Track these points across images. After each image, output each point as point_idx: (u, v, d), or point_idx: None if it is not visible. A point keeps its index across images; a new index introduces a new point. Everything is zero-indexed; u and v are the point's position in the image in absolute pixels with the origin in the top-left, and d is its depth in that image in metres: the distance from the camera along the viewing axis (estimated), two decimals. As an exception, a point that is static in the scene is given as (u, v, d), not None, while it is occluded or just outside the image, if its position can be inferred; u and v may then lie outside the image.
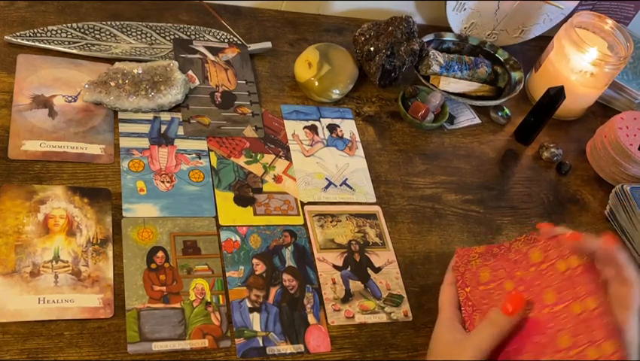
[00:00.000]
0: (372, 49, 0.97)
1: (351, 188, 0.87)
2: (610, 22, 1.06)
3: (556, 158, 1.01)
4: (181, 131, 0.84)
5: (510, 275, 0.68)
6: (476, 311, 0.68)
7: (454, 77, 1.02)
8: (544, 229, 0.69)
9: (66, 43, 0.87)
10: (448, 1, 1.05)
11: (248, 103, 0.91)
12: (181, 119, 0.86)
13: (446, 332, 0.67)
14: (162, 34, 0.94)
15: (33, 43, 0.86)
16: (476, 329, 0.64)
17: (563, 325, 0.62)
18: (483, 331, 0.64)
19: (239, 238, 0.77)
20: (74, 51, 0.87)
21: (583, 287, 0.62)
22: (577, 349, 0.59)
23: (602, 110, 1.15)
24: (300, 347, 0.70)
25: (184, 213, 0.77)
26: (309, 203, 0.83)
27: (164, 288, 0.70)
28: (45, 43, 0.86)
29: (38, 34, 0.87)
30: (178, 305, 0.69)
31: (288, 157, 0.87)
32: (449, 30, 1.10)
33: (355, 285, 0.77)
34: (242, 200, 0.80)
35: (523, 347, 0.63)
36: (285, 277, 0.75)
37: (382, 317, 0.75)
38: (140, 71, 0.84)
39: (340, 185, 0.87)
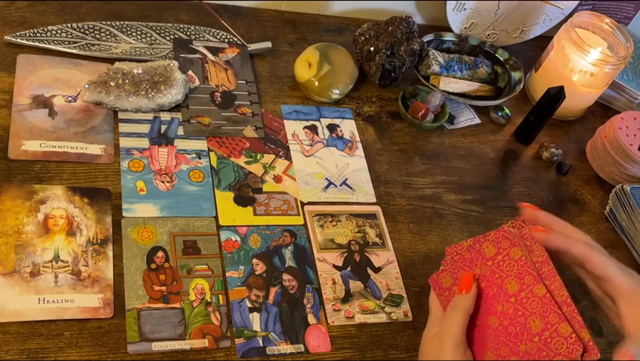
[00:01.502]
0: (372, 49, 0.97)
1: (351, 188, 0.87)
2: (610, 22, 1.06)
3: (556, 158, 1.01)
4: (181, 131, 0.84)
5: (471, 273, 0.68)
6: None
7: (454, 77, 1.02)
8: (527, 210, 0.70)
9: (66, 43, 0.87)
10: (448, 1, 1.05)
11: (248, 103, 0.91)
12: (181, 119, 0.86)
13: (430, 330, 0.68)
14: (162, 34, 0.94)
15: (33, 43, 0.86)
16: (444, 318, 0.66)
17: (531, 310, 0.63)
18: (449, 316, 0.65)
19: (239, 238, 0.77)
20: (74, 51, 0.87)
21: (540, 268, 0.64)
22: (550, 329, 0.61)
23: (602, 110, 1.15)
24: (300, 347, 0.70)
25: (184, 213, 0.77)
26: (309, 203, 0.83)
27: (164, 288, 0.70)
28: (45, 43, 0.86)
29: (38, 34, 0.87)
30: (178, 305, 0.69)
31: (288, 157, 0.87)
32: (449, 30, 1.10)
33: (355, 285, 0.77)
34: (242, 200, 0.80)
35: (500, 341, 0.64)
36: (285, 277, 0.75)
37: (382, 317, 0.75)
38: (140, 71, 0.84)
39: (340, 185, 0.87)
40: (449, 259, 0.72)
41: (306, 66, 0.94)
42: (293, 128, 0.91)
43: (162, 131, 0.84)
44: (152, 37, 0.93)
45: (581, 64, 1.01)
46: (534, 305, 0.63)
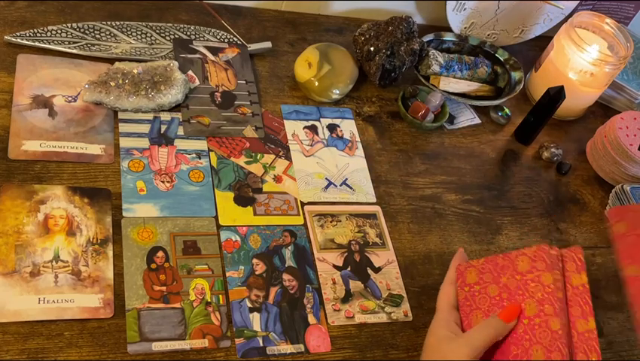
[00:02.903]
0: (372, 49, 0.97)
1: (351, 188, 0.87)
2: (610, 22, 1.06)
3: (556, 158, 1.01)
4: (181, 131, 0.84)
5: (496, 280, 0.68)
6: (474, 311, 0.68)
7: (454, 77, 1.02)
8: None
9: (66, 43, 0.87)
10: (448, 1, 1.05)
11: (248, 103, 0.91)
12: (181, 119, 0.86)
13: (439, 330, 0.67)
14: (162, 34, 0.94)
15: (33, 44, 0.86)
16: (473, 329, 0.65)
17: (539, 339, 0.63)
18: (479, 332, 0.65)
19: (239, 238, 0.77)
20: (74, 51, 0.87)
21: (560, 304, 0.63)
22: None
23: (602, 110, 1.15)
24: (300, 347, 0.70)
25: (184, 213, 0.77)
26: (309, 203, 0.83)
27: (164, 288, 0.70)
28: (45, 43, 0.86)
29: (38, 34, 0.87)
30: (178, 305, 0.69)
31: (288, 157, 0.87)
32: (449, 30, 1.10)
33: (355, 285, 0.77)
34: (242, 200, 0.80)
35: (500, 356, 0.64)
36: (285, 277, 0.75)
37: (382, 317, 0.75)
38: (140, 71, 0.84)
39: (340, 185, 0.87)
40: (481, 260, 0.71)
41: (306, 66, 0.94)
42: (293, 128, 0.91)
43: (162, 131, 0.83)
44: (152, 37, 0.93)
45: (581, 64, 1.01)
46: (544, 336, 0.62)
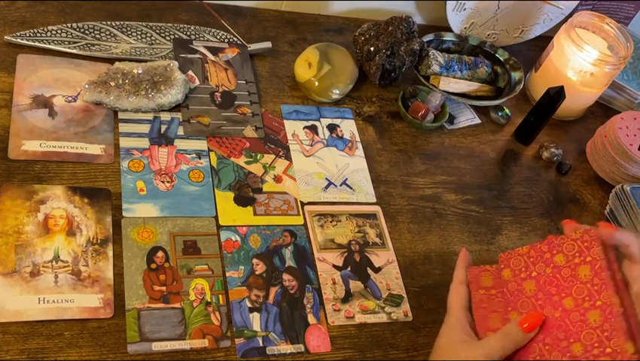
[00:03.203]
0: (372, 49, 0.97)
1: (351, 188, 0.87)
2: (610, 22, 1.06)
3: (556, 158, 1.01)
4: (181, 131, 0.84)
5: (544, 268, 0.66)
6: (492, 313, 0.67)
7: (454, 77, 1.02)
8: (569, 225, 0.68)
9: (66, 43, 0.87)
10: (448, 1, 1.05)
11: (248, 103, 0.91)
12: (181, 119, 0.86)
13: (453, 332, 0.65)
14: (162, 34, 0.94)
15: (33, 44, 0.86)
16: (491, 337, 0.64)
17: (575, 335, 0.61)
18: (497, 341, 0.63)
19: (239, 238, 0.77)
20: (74, 51, 0.87)
21: (601, 292, 0.62)
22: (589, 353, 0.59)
23: (602, 110, 1.15)
24: (300, 347, 0.70)
25: (184, 213, 0.77)
26: (309, 203, 0.83)
27: (164, 288, 0.70)
28: (45, 43, 0.86)
29: (38, 34, 0.87)
30: (178, 305, 0.69)
31: (288, 157, 0.87)
32: (449, 30, 1.10)
33: (355, 285, 0.77)
34: (242, 200, 0.80)
35: (535, 349, 0.63)
36: (285, 277, 0.75)
37: (382, 317, 0.75)
38: (140, 71, 0.84)
39: (340, 185, 0.87)
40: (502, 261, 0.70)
41: (306, 66, 0.94)
42: (293, 128, 0.91)
43: (162, 131, 0.83)
44: (152, 37, 0.93)
45: (581, 64, 1.01)
46: (579, 330, 0.61)
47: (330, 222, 0.82)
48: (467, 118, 1.03)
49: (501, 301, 0.67)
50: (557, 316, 0.63)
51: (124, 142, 0.81)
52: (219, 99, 0.90)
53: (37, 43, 0.86)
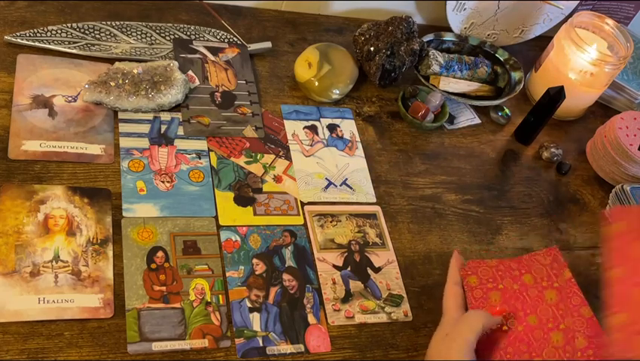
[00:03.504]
0: (372, 49, 0.97)
1: (351, 188, 0.87)
2: (610, 22, 1.06)
3: (556, 158, 1.01)
4: (181, 131, 0.84)
5: (515, 279, 0.69)
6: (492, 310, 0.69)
7: (454, 77, 1.02)
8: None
9: (66, 43, 0.87)
10: (448, 1, 1.05)
11: (248, 103, 0.91)
12: (181, 119, 0.86)
13: (443, 331, 0.67)
14: (162, 34, 0.94)
15: (33, 44, 0.86)
16: (461, 321, 0.66)
17: (538, 350, 0.64)
18: (468, 321, 0.65)
19: (239, 238, 0.77)
20: (74, 51, 0.87)
21: (566, 317, 0.65)
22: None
23: (602, 110, 1.15)
24: (300, 347, 0.70)
25: (184, 213, 0.77)
26: (309, 203, 0.83)
27: (164, 288, 0.70)
28: (45, 43, 0.86)
29: (38, 34, 0.87)
30: (178, 305, 0.69)
31: (288, 157, 0.87)
32: (449, 30, 1.10)
33: (355, 285, 0.77)
34: (242, 200, 0.80)
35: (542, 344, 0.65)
36: (285, 277, 0.75)
37: (382, 317, 0.75)
38: (140, 71, 0.84)
39: (340, 185, 0.87)
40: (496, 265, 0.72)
41: (306, 66, 0.94)
42: (293, 128, 0.91)
43: (162, 131, 0.83)
44: (152, 37, 0.93)
45: (581, 64, 1.01)
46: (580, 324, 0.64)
47: (330, 222, 0.82)
48: (467, 118, 1.03)
49: (501, 294, 0.69)
50: (520, 330, 0.65)
51: (124, 142, 0.81)
52: (219, 99, 0.90)
53: (37, 43, 0.86)
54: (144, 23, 0.94)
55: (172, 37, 0.94)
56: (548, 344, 0.63)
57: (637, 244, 0.67)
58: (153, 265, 0.71)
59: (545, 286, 0.68)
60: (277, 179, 0.84)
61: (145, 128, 0.83)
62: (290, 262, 0.77)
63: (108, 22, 0.91)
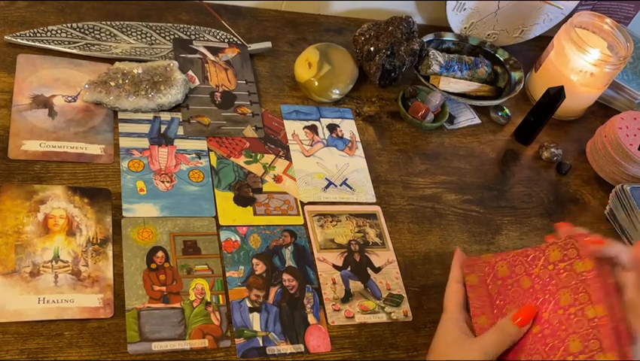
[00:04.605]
0: (372, 49, 0.97)
1: (351, 188, 0.87)
2: (610, 22, 1.06)
3: (556, 158, 1.01)
4: (181, 131, 0.84)
5: (528, 272, 0.67)
6: (492, 308, 0.68)
7: (454, 77, 1.02)
8: (563, 228, 0.68)
9: (66, 43, 0.87)
10: (448, 1, 1.05)
11: (248, 103, 0.91)
12: (181, 119, 0.86)
13: (450, 331, 0.66)
14: (162, 34, 0.94)
15: (33, 43, 0.86)
16: (485, 334, 0.64)
17: (575, 328, 0.61)
18: (491, 336, 0.64)
19: (239, 238, 0.77)
20: (74, 51, 0.87)
21: (595, 292, 0.62)
22: (586, 354, 0.59)
23: (602, 110, 1.15)
24: (300, 347, 0.70)
25: (184, 213, 0.77)
26: (309, 203, 0.83)
27: (164, 288, 0.70)
28: (45, 43, 0.86)
29: (38, 34, 0.87)
30: (178, 305, 0.69)
31: (287, 157, 0.87)
32: (449, 30, 1.10)
33: (355, 285, 0.77)
34: (242, 200, 0.80)
35: (535, 348, 0.63)
36: (285, 277, 0.75)
37: (382, 317, 0.75)
38: (140, 71, 0.84)
39: (340, 185, 0.87)
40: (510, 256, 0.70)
41: (306, 66, 0.94)
42: (293, 128, 0.91)
43: (162, 131, 0.83)
44: (152, 37, 0.93)
45: (581, 64, 1.01)
46: (580, 325, 0.61)
47: (330, 222, 0.82)
48: (467, 118, 1.03)
49: (515, 290, 0.68)
50: (559, 313, 0.63)
51: (124, 142, 0.81)
52: (219, 99, 0.90)
53: (37, 43, 0.86)
54: (144, 23, 0.94)
55: (172, 37, 0.94)
56: (566, 353, 0.62)
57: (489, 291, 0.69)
58: (153, 265, 0.71)
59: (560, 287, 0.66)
60: (277, 179, 0.84)
61: (145, 128, 0.83)
62: (290, 262, 0.77)
63: (108, 22, 0.91)
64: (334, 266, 0.78)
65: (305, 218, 0.81)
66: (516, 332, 0.63)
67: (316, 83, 0.93)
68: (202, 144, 0.84)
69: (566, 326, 0.62)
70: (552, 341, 0.62)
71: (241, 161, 0.84)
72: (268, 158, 0.86)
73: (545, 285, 0.65)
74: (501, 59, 1.09)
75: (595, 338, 0.60)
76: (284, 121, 0.91)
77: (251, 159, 0.85)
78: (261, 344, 0.69)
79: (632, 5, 1.20)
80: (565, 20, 1.06)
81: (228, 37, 0.98)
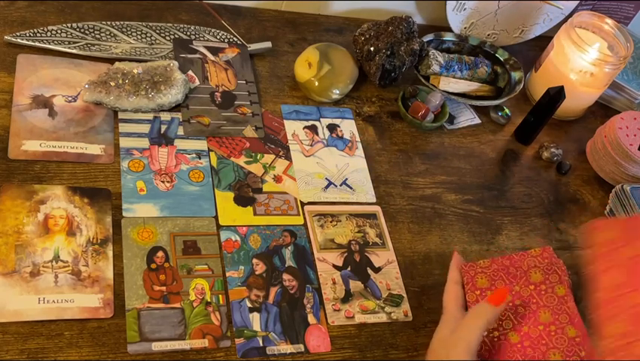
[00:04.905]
0: (372, 49, 0.97)
1: (351, 188, 0.87)
2: (610, 22, 1.06)
3: (556, 158, 1.01)
4: (181, 131, 0.84)
5: (508, 288, 0.69)
6: None
7: (454, 77, 1.02)
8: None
9: (66, 43, 0.87)
10: (448, 1, 1.05)
11: (248, 103, 0.91)
12: (181, 119, 0.86)
13: (446, 330, 0.67)
14: (162, 34, 0.94)
15: (33, 43, 0.86)
16: (464, 323, 0.65)
17: (556, 344, 0.64)
18: (470, 322, 0.65)
19: (239, 238, 0.77)
20: (74, 51, 0.87)
21: (577, 316, 0.65)
22: None
23: (602, 110, 1.15)
24: (300, 347, 0.70)
25: (184, 213, 0.77)
26: (309, 203, 0.83)
27: (164, 288, 0.70)
28: (45, 43, 0.86)
29: (38, 34, 0.87)
30: (178, 305, 0.69)
31: (288, 157, 0.87)
32: (449, 30, 1.10)
33: (355, 285, 0.77)
34: (242, 200, 0.80)
35: (514, 356, 0.65)
36: (285, 277, 0.75)
37: (382, 317, 0.75)
38: (140, 71, 0.84)
39: (340, 185, 0.87)
40: (491, 265, 0.72)
41: (306, 66, 0.94)
42: (293, 128, 0.91)
43: (162, 131, 0.83)
44: (152, 37, 0.93)
45: (581, 64, 1.01)
46: (561, 342, 0.64)
47: (330, 222, 0.82)
48: (467, 118, 1.03)
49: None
50: (539, 328, 0.66)
51: (124, 142, 0.81)
52: (219, 99, 0.90)
53: (37, 43, 0.86)
54: (144, 23, 0.94)
55: (172, 37, 0.94)
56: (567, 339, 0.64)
57: (624, 250, 0.67)
58: (153, 265, 0.71)
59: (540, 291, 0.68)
60: (277, 179, 0.84)
61: (145, 128, 0.83)
62: (290, 262, 0.77)
63: (108, 22, 0.91)
64: (334, 266, 0.78)
65: (305, 218, 0.81)
66: (493, 314, 0.65)
67: (316, 83, 0.93)
68: (202, 144, 0.84)
69: (547, 340, 0.65)
70: (532, 352, 0.64)
71: (241, 161, 0.84)
72: (268, 158, 0.86)
73: (526, 302, 0.67)
74: (501, 59, 1.09)
75: (577, 355, 0.62)
76: (285, 121, 0.91)
77: (251, 159, 0.85)
78: (261, 344, 0.69)
79: (632, 5, 1.20)
80: (565, 20, 1.06)
81: (228, 37, 0.98)
